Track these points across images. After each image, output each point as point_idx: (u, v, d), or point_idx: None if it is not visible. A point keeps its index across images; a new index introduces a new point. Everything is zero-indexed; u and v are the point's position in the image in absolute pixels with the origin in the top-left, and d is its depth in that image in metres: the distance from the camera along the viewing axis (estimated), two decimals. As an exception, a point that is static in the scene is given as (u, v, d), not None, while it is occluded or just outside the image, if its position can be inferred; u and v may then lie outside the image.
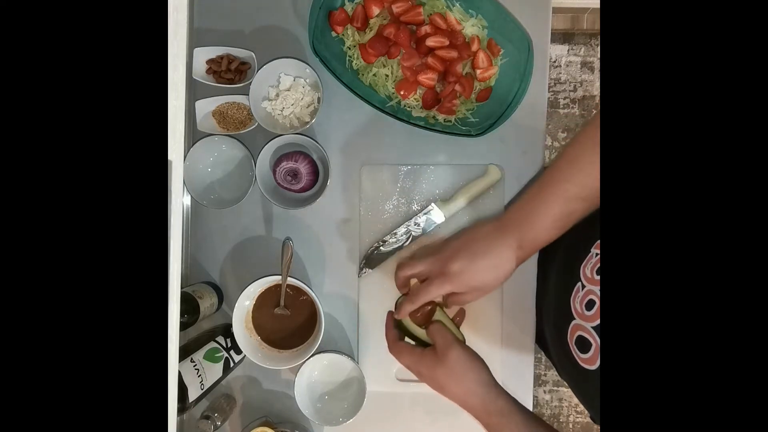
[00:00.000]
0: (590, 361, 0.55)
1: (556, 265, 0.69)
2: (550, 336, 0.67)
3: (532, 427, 0.57)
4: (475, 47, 0.73)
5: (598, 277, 0.55)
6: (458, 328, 0.68)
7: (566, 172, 0.58)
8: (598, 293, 0.54)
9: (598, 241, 0.57)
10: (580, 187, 0.57)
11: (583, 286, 0.57)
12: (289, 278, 0.73)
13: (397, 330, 0.69)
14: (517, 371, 0.78)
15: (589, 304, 0.56)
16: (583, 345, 0.56)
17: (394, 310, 0.69)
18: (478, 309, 0.78)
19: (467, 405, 0.60)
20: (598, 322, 0.54)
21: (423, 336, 0.67)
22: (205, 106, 0.78)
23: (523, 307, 0.78)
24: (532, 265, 0.78)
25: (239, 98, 0.77)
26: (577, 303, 0.58)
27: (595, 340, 0.54)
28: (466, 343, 0.65)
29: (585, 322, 0.56)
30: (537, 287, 0.77)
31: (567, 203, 0.58)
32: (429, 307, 0.68)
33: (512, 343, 0.78)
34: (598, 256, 0.56)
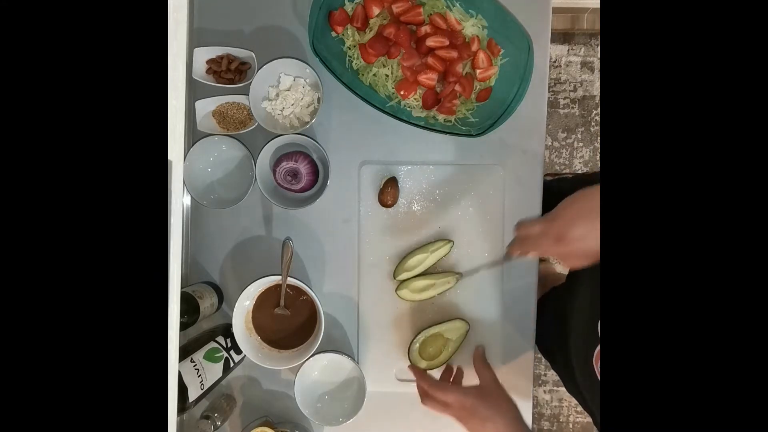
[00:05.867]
0: None
1: (584, 289, 0.68)
2: (576, 357, 0.67)
3: None
4: (475, 47, 0.73)
5: None
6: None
7: None
8: None
9: None
10: None
11: None
12: (289, 278, 0.73)
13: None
14: (517, 371, 0.78)
15: None
16: None
17: (410, 363, 0.76)
18: (479, 310, 0.78)
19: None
20: None
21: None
22: (205, 106, 0.77)
23: (523, 308, 0.78)
24: (533, 266, 0.78)
25: (239, 98, 0.77)
26: None
27: None
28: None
29: None
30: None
31: None
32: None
33: (512, 344, 0.78)
34: None
